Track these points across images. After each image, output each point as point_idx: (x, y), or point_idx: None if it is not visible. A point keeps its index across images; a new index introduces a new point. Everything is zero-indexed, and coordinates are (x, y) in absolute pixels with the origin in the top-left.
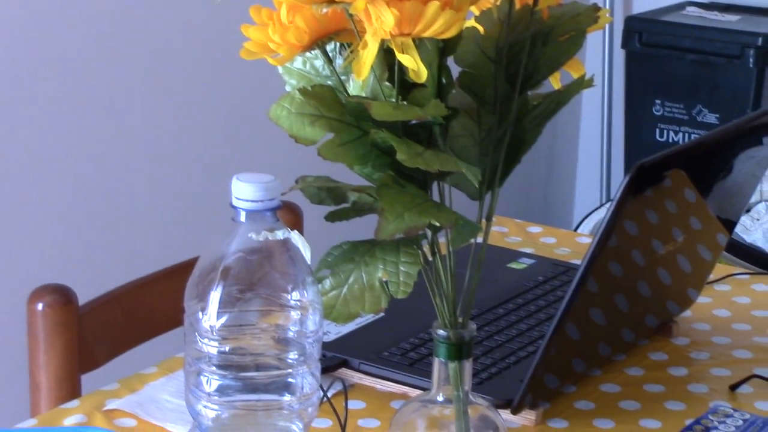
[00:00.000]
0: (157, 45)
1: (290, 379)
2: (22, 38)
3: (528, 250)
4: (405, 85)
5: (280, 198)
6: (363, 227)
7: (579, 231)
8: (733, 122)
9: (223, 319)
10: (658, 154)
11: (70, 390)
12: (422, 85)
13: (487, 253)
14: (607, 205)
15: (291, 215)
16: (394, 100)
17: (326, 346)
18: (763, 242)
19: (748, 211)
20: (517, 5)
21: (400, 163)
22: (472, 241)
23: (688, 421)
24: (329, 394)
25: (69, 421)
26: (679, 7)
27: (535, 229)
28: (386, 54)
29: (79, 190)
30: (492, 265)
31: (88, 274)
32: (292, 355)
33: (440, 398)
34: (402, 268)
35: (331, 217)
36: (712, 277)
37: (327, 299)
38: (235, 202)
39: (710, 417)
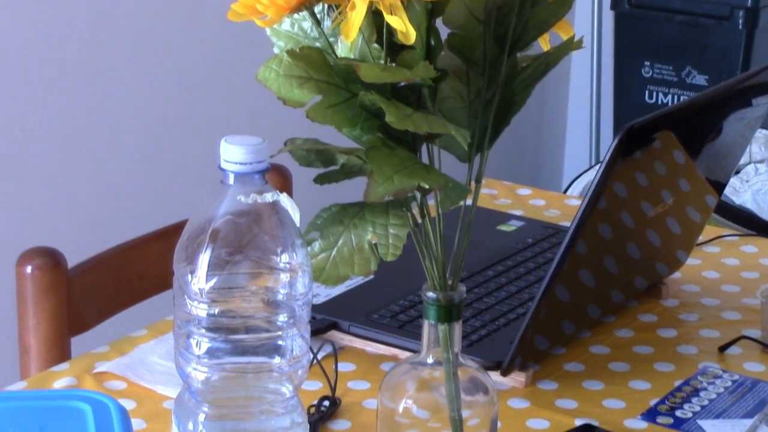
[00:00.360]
0: (146, 6)
1: (280, 342)
2: None
3: (517, 213)
4: (393, 47)
5: (269, 160)
6: (352, 190)
7: (568, 193)
8: (722, 83)
9: (213, 282)
10: (648, 115)
11: (60, 353)
12: (411, 47)
13: (477, 216)
14: (597, 167)
15: (280, 178)
16: (382, 62)
17: (316, 308)
18: (752, 204)
19: (737, 172)
20: None
21: (389, 125)
22: (462, 203)
23: (677, 382)
24: (319, 357)
25: (59, 384)
26: None
27: (524, 191)
28: (374, 15)
29: (68, 152)
30: (481, 227)
31: (76, 237)
32: (282, 318)
33: (430, 360)
34: (391, 231)
35: (320, 180)
36: (701, 238)
37: (316, 262)
38: (223, 165)
39: (699, 378)
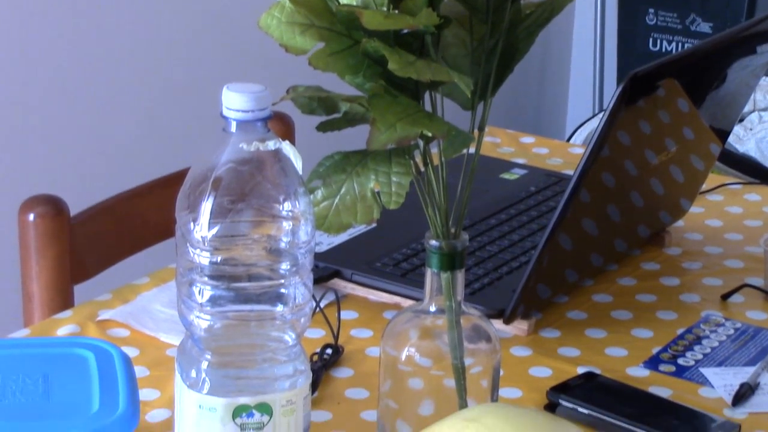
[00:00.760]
0: None
1: (282, 290)
2: None
3: (520, 161)
4: None
5: (271, 108)
6: (355, 138)
7: (571, 141)
8: (726, 31)
9: (215, 230)
10: (651, 63)
11: (63, 300)
12: None
13: (480, 164)
14: (600, 115)
15: (282, 126)
16: (385, 8)
17: (318, 256)
18: (756, 152)
19: (741, 120)
20: None
21: (392, 72)
22: (465, 151)
23: (680, 331)
24: (322, 305)
25: (62, 332)
26: None
27: (527, 139)
28: None
29: (70, 100)
30: (484, 175)
31: (79, 185)
32: (285, 266)
33: (433, 308)
34: (394, 179)
35: (323, 128)
36: (704, 187)
37: (319, 210)
38: (225, 113)
39: (702, 326)
